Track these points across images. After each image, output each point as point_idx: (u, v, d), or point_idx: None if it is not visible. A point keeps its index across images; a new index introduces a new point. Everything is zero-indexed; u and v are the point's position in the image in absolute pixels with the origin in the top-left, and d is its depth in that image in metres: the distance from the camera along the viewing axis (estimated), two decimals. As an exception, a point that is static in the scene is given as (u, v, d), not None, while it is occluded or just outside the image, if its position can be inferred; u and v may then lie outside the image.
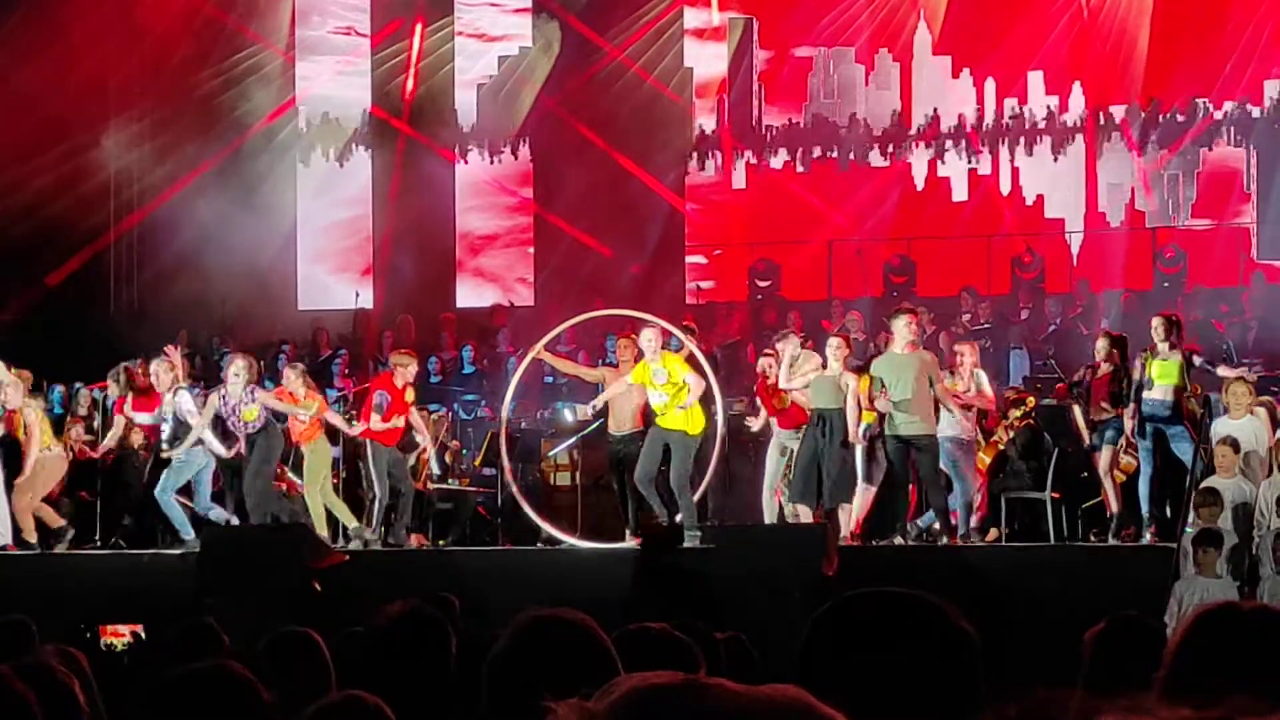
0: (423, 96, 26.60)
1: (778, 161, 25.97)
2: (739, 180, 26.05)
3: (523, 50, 26.59)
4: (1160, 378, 15.14)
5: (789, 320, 20.52)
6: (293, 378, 16.87)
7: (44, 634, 7.50)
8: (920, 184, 25.40)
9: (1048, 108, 25.00)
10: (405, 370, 16.75)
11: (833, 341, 15.74)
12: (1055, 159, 25.02)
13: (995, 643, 2.69)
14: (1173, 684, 2.97)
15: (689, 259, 26.13)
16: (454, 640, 4.43)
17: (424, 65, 26.62)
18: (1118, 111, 24.79)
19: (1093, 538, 15.67)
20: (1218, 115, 24.45)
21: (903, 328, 15.41)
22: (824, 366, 15.50)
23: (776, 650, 6.50)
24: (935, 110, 25.32)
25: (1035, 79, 25.04)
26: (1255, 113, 24.41)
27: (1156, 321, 15.44)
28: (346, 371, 21.63)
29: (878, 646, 2.55)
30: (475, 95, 26.81)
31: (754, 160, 26.02)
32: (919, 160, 25.39)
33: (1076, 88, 24.93)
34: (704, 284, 25.65)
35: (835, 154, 25.77)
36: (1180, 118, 24.60)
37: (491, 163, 26.82)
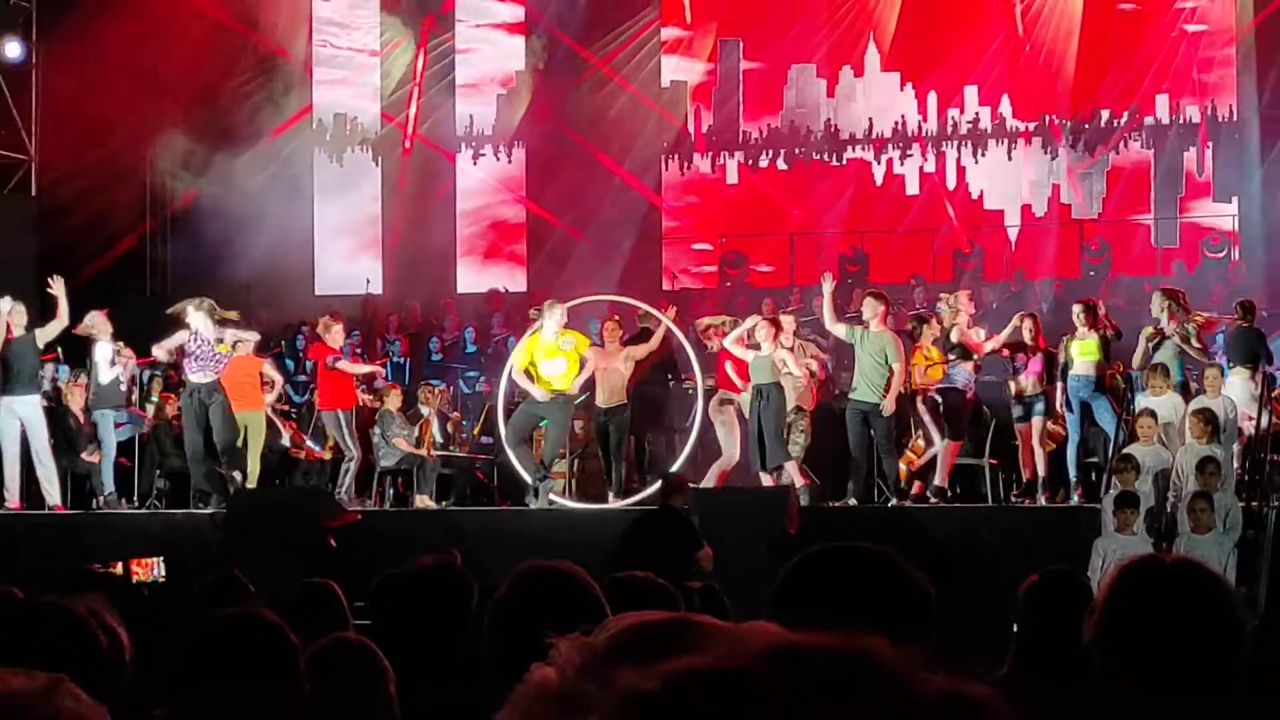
0: (426, 105, 26.68)
1: (764, 161, 26.06)
2: (731, 175, 26.13)
3: (518, 67, 26.64)
4: (1082, 355, 15.41)
5: (763, 306, 20.40)
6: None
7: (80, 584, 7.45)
8: (880, 180, 25.56)
9: (977, 115, 25.18)
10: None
11: (762, 326, 15.83)
12: (990, 160, 25.20)
13: (940, 592, 2.71)
14: (1103, 629, 2.99)
15: (694, 246, 26.17)
16: (475, 595, 4.44)
17: (427, 76, 26.72)
18: (1047, 119, 24.98)
19: (1014, 499, 15.71)
20: (1147, 120, 24.62)
21: (872, 305, 15.52)
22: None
23: (746, 599, 6.52)
24: (893, 118, 25.49)
25: (971, 92, 25.21)
26: (1150, 121, 24.57)
27: (1076, 308, 15.90)
28: (358, 350, 21.60)
29: (842, 593, 2.57)
30: (473, 104, 26.81)
31: (743, 160, 26.10)
32: (877, 160, 25.56)
33: (1005, 100, 25.12)
34: (706, 268, 25.73)
35: (801, 155, 25.86)
36: (1103, 124, 24.77)
37: (490, 163, 26.85)
